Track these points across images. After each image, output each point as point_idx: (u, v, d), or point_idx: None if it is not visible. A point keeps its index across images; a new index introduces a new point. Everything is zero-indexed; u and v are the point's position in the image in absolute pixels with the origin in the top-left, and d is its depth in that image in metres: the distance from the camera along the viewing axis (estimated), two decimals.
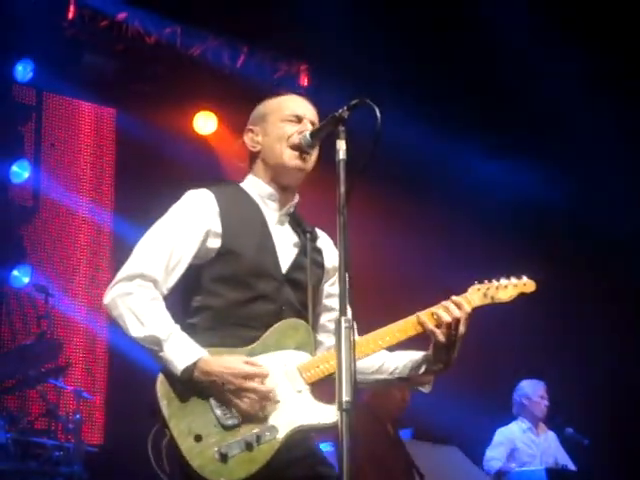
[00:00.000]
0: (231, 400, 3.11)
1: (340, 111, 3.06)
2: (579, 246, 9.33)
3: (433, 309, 3.35)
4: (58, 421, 7.00)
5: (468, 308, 3.33)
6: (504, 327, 9.19)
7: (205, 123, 9.36)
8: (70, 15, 8.38)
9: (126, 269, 3.27)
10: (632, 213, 8.99)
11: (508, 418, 8.25)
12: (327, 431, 3.23)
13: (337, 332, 2.83)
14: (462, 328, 3.32)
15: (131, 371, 7.84)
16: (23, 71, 8.32)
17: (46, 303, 7.52)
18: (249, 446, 3.10)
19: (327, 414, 3.18)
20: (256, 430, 3.13)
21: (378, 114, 2.95)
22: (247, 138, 3.56)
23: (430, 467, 6.74)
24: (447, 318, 3.30)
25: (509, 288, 3.47)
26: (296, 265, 3.44)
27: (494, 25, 8.34)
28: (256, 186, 3.51)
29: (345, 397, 2.76)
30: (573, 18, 8.45)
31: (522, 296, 3.48)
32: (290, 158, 3.42)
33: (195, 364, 3.10)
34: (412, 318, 3.36)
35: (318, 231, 3.62)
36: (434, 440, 7.19)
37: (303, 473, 3.29)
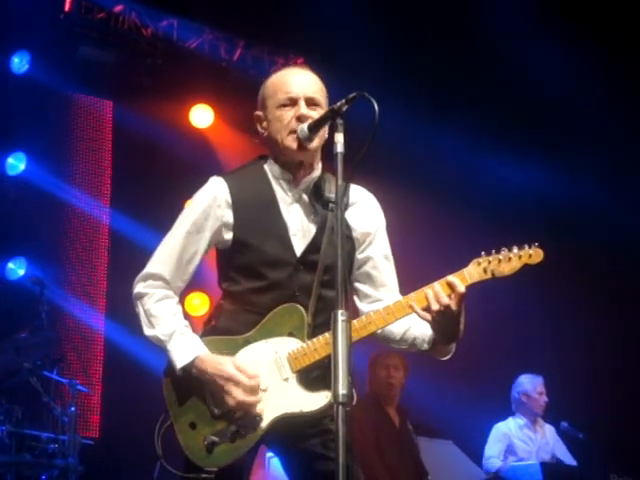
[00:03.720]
0: (217, 397, 3.29)
1: (338, 104, 3.06)
2: (579, 242, 9.33)
3: (425, 290, 3.27)
4: (53, 414, 6.98)
5: (461, 289, 3.23)
6: (501, 320, 9.22)
7: (202, 116, 9.35)
8: (67, 7, 8.37)
9: (145, 269, 3.49)
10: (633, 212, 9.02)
11: (505, 413, 8.24)
12: (311, 418, 3.27)
13: (333, 326, 2.82)
14: (456, 308, 3.24)
15: (126, 364, 7.85)
16: (19, 63, 8.31)
17: (41, 295, 7.49)
18: (233, 435, 3.26)
19: (311, 402, 3.25)
20: (241, 420, 3.26)
21: (376, 107, 2.94)
22: (257, 125, 3.58)
23: (426, 461, 6.76)
24: (435, 307, 3.24)
25: (513, 260, 3.31)
26: (312, 247, 3.42)
27: (499, 22, 8.35)
28: (272, 168, 3.52)
29: (341, 390, 2.75)
30: (582, 19, 8.46)
31: (527, 267, 3.33)
32: (291, 142, 3.41)
33: (192, 362, 3.31)
34: (402, 301, 3.32)
35: (355, 193, 3.57)
36: (430, 434, 7.20)
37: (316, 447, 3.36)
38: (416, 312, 3.28)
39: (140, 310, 3.45)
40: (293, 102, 3.44)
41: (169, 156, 8.54)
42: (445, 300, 3.23)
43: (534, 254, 3.33)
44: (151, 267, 3.47)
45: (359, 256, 3.55)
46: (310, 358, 3.29)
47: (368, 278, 3.57)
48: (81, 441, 6.85)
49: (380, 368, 6.96)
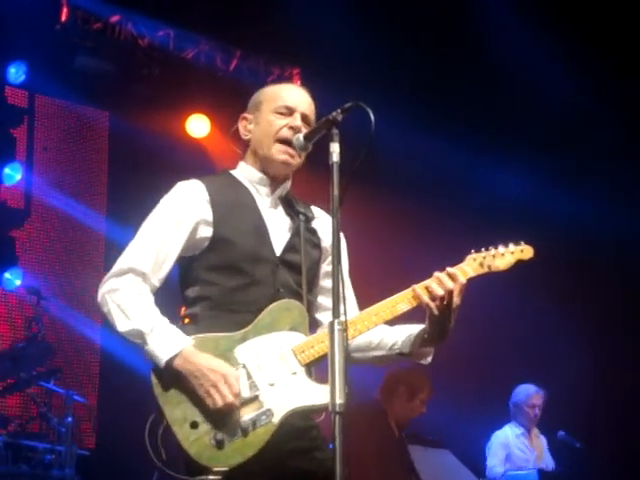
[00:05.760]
0: (201, 395, 3.13)
1: (334, 114, 3.06)
2: (581, 251, 9.33)
3: (427, 282, 3.32)
4: (50, 424, 6.98)
5: (462, 279, 3.30)
6: (500, 327, 9.22)
7: (198, 126, 9.36)
8: (63, 17, 8.36)
9: (117, 265, 3.33)
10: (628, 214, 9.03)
11: (502, 421, 8.25)
12: (323, 412, 3.23)
13: (330, 335, 2.82)
14: (457, 300, 3.29)
15: (123, 374, 7.83)
16: (16, 73, 8.30)
17: (38, 306, 7.49)
18: (244, 431, 3.13)
19: (322, 395, 3.13)
20: (251, 415, 3.15)
21: (372, 117, 2.96)
22: (241, 125, 3.59)
23: (422, 470, 6.74)
24: (440, 292, 3.28)
25: (506, 255, 3.42)
26: (290, 247, 3.45)
27: (498, 30, 8.37)
28: (247, 172, 3.53)
29: (338, 400, 2.74)
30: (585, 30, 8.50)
31: (520, 264, 3.43)
32: (277, 152, 3.44)
33: (177, 355, 3.14)
34: (407, 292, 3.35)
35: (315, 210, 3.64)
36: (426, 443, 7.18)
37: (305, 446, 3.31)
38: (419, 297, 3.30)
39: (111, 305, 3.23)
40: (289, 112, 3.47)
41: (165, 166, 8.53)
42: (449, 284, 3.27)
43: (526, 250, 3.46)
44: (128, 261, 3.30)
45: (327, 268, 3.56)
46: (318, 350, 3.25)
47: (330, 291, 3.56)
48: (78, 451, 6.84)
49: (420, 403, 6.84)
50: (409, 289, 3.35)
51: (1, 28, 8.05)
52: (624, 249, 9.16)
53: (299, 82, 9.54)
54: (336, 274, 2.90)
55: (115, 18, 8.66)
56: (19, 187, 8.44)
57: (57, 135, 8.90)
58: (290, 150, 3.43)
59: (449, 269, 3.32)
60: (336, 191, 2.95)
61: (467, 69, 9.04)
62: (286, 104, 3.48)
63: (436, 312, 3.30)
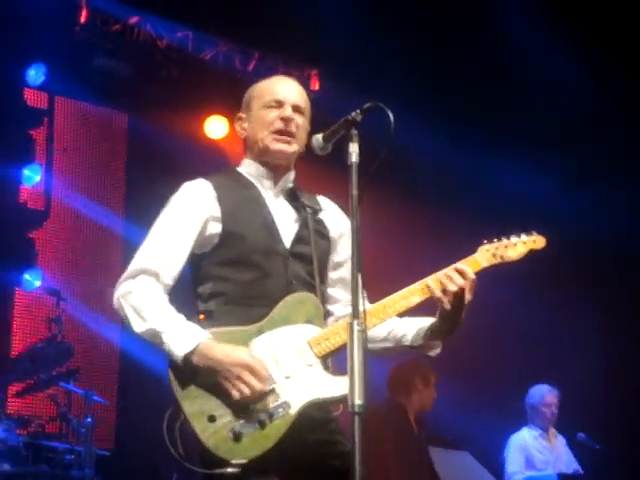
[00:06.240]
0: (225, 388, 3.13)
1: (353, 114, 3.07)
2: (592, 249, 9.31)
3: (439, 275, 3.33)
4: (69, 424, 7.00)
5: (472, 275, 3.31)
6: (513, 330, 9.20)
7: (216, 127, 9.36)
8: (82, 19, 8.39)
9: (130, 267, 3.37)
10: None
11: (520, 422, 8.22)
12: (340, 403, 3.23)
13: (350, 336, 2.83)
14: (468, 295, 3.31)
15: (142, 374, 7.85)
16: (35, 75, 8.32)
17: (57, 306, 7.52)
18: (262, 423, 3.13)
19: (339, 386, 3.15)
20: (269, 407, 3.15)
21: (392, 117, 2.97)
22: (237, 125, 3.65)
23: (442, 472, 6.74)
24: (452, 287, 3.29)
25: (518, 245, 3.45)
26: (299, 239, 3.47)
27: (513, 32, 8.37)
28: (250, 167, 3.57)
29: (357, 400, 2.74)
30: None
31: (532, 253, 3.45)
32: (272, 142, 3.49)
33: (194, 350, 3.14)
34: (418, 285, 3.35)
35: (322, 200, 3.66)
36: (446, 445, 7.18)
37: (323, 438, 3.32)
38: (433, 292, 3.31)
39: (127, 308, 3.27)
40: (279, 104, 3.51)
41: (183, 167, 8.52)
42: (460, 281, 3.28)
43: (538, 240, 3.49)
44: (141, 263, 3.34)
45: (335, 259, 3.59)
46: (334, 343, 3.26)
47: (342, 282, 3.58)
48: (97, 452, 6.86)
49: (434, 388, 6.93)
50: (422, 281, 3.35)
51: (21, 30, 8.09)
52: (634, 246, 9.12)
53: (317, 84, 9.56)
54: (355, 274, 2.89)
55: (134, 19, 8.68)
56: (38, 188, 8.47)
57: (76, 137, 8.93)
58: (285, 137, 3.48)
59: (458, 265, 3.33)
60: (355, 191, 2.95)
61: (487, 70, 9.03)
62: (275, 97, 3.52)
63: (448, 307, 3.31)
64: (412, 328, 3.48)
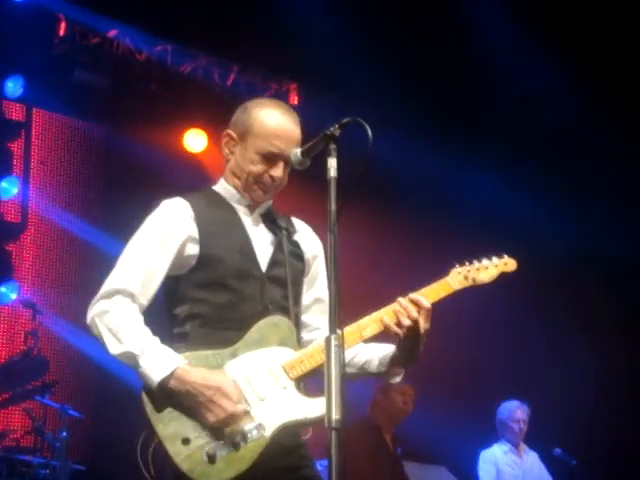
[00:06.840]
0: (200, 411, 3.13)
1: (331, 129, 3.05)
2: (574, 265, 9.34)
3: (394, 307, 3.32)
4: (44, 438, 6.96)
5: (427, 304, 3.31)
6: (490, 345, 9.21)
7: (195, 141, 9.36)
8: (61, 32, 8.38)
9: (105, 286, 3.31)
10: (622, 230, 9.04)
11: (493, 436, 8.22)
12: (314, 425, 3.24)
13: (327, 350, 2.81)
14: (424, 325, 3.31)
15: (118, 389, 7.79)
16: (13, 87, 8.30)
17: (34, 320, 7.48)
18: (236, 446, 3.12)
19: (313, 408, 3.19)
20: (243, 429, 3.14)
21: (369, 132, 2.95)
22: (224, 142, 3.56)
23: None
24: (406, 322, 3.29)
25: (490, 268, 3.50)
26: (274, 262, 3.45)
27: (493, 40, 8.41)
28: (228, 192, 3.53)
29: (335, 416, 2.74)
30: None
31: (503, 275, 3.49)
32: (253, 191, 3.47)
33: (171, 375, 3.13)
34: (376, 316, 3.34)
35: (296, 222, 3.64)
36: (422, 460, 7.18)
37: (292, 464, 3.30)
38: (388, 327, 3.31)
39: (102, 328, 3.24)
40: (273, 159, 3.42)
41: (162, 180, 8.52)
42: (414, 314, 3.29)
43: (509, 263, 3.55)
44: (116, 282, 3.29)
45: (309, 281, 3.58)
46: (307, 365, 3.26)
47: (317, 302, 3.57)
48: (72, 466, 6.82)
49: (397, 394, 6.92)
50: (376, 315, 3.33)
51: None
52: (617, 264, 9.16)
53: (296, 98, 9.58)
54: (333, 290, 2.88)
55: (113, 33, 8.67)
56: (16, 201, 8.44)
57: (54, 149, 8.91)
58: (268, 189, 3.45)
59: (412, 295, 3.33)
60: (333, 206, 2.95)
61: (465, 86, 9.07)
62: (271, 150, 3.41)
63: (404, 339, 3.32)
64: (376, 355, 3.47)
